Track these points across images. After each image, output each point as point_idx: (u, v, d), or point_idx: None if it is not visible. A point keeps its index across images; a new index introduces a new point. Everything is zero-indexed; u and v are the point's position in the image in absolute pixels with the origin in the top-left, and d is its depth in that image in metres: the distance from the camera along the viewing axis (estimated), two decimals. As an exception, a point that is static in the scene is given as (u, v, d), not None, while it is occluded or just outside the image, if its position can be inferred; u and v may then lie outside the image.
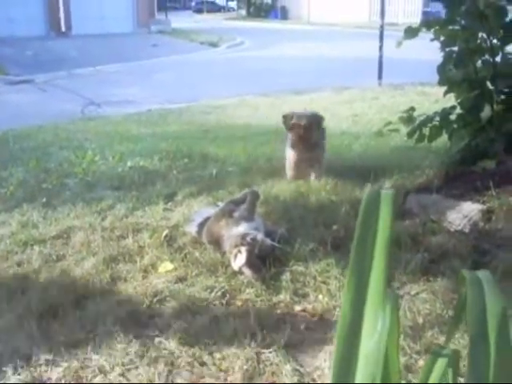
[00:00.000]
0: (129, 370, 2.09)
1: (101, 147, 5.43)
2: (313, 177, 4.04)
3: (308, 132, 3.93)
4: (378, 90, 10.37)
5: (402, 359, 2.01)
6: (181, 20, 28.10)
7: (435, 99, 7.40)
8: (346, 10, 29.30)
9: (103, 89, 10.95)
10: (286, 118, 4.00)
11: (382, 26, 11.49)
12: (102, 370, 2.08)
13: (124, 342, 2.23)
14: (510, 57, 3.84)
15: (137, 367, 2.09)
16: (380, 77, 11.02)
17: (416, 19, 23.05)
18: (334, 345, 0.58)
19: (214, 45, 18.72)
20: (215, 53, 17.64)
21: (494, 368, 0.59)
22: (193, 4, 50.33)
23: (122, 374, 2.06)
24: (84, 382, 2.04)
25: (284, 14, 33.25)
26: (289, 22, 31.13)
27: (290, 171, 4.12)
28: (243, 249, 2.66)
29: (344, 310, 0.61)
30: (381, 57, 11.13)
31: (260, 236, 2.76)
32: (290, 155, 4.08)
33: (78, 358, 2.17)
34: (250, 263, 2.65)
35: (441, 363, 0.69)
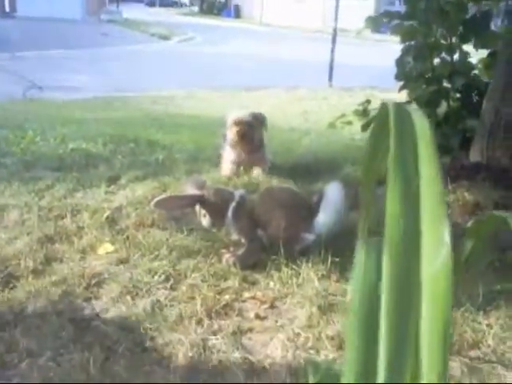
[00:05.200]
0: (61, 354, 1.90)
1: (42, 128, 5.15)
2: (256, 175, 3.82)
3: (250, 132, 3.77)
4: (329, 90, 10.42)
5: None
6: (132, 11, 27.55)
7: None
8: (300, 13, 29.42)
9: (48, 73, 10.55)
10: (228, 117, 3.84)
11: (334, 30, 11.59)
12: (30, 354, 1.89)
13: (57, 324, 2.04)
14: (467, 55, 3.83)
15: (70, 352, 1.90)
16: (330, 79, 11.09)
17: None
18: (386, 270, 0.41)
19: (165, 38, 18.44)
20: (166, 46, 17.35)
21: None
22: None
23: (53, 359, 1.87)
24: (9, 366, 1.84)
25: (237, 13, 33.15)
26: (241, 21, 31.03)
27: (227, 172, 3.85)
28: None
29: (391, 223, 0.44)
30: (332, 59, 11.19)
31: None
32: (230, 155, 3.88)
33: (5, 340, 1.96)
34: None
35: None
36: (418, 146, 0.48)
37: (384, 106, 0.56)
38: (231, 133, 3.77)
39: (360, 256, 0.54)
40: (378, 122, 0.59)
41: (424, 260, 0.40)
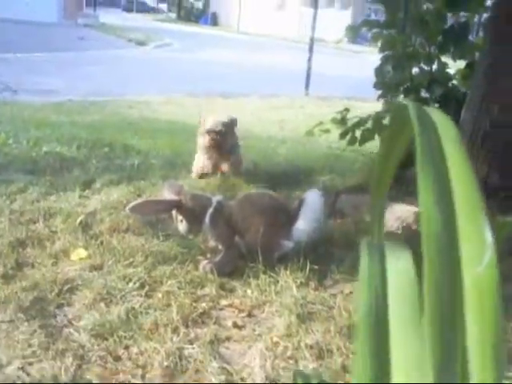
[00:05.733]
0: (30, 363, 1.83)
1: (15, 131, 5.04)
2: (224, 170, 3.85)
3: (223, 140, 3.73)
4: (305, 99, 10.44)
5: (339, 359, 1.87)
6: (109, 16, 27.33)
7: (360, 112, 7.48)
8: (276, 22, 29.55)
9: (23, 76, 10.36)
10: (201, 123, 3.78)
11: (311, 39, 11.61)
12: (-2, 363, 1.81)
13: (27, 332, 1.97)
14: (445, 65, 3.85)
15: (40, 360, 1.83)
16: (307, 88, 11.10)
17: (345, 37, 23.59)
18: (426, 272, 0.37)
19: (141, 43, 18.31)
20: (143, 51, 17.23)
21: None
22: (122, 2, 49.32)
23: (22, 368, 1.80)
24: (-24, 375, 1.76)
25: (214, 21, 33.15)
26: (218, 28, 31.05)
27: (198, 174, 3.87)
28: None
29: (428, 215, 0.40)
30: (309, 68, 11.22)
31: None
32: (203, 161, 3.85)
33: (-29, 348, 1.88)
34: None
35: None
36: (444, 144, 0.45)
37: (399, 107, 0.52)
38: (204, 140, 3.73)
39: (364, 260, 0.50)
40: (393, 123, 0.56)
41: (466, 265, 0.36)
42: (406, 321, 0.48)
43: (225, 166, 3.84)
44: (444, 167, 0.42)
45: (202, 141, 3.76)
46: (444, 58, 3.97)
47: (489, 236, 0.36)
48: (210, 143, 3.69)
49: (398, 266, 0.54)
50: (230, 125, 3.78)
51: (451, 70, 4.06)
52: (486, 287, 0.35)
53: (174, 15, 38.47)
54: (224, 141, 3.72)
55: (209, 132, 3.68)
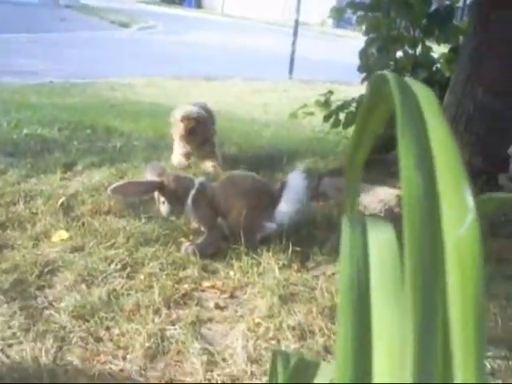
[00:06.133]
0: (10, 345, 1.81)
1: (-5, 113, 4.98)
2: (207, 167, 3.72)
3: (198, 127, 3.59)
4: (289, 83, 10.40)
5: (321, 340, 1.87)
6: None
7: (344, 96, 7.47)
8: (261, 5, 29.33)
9: (3, 57, 10.21)
10: (175, 112, 3.67)
11: (296, 21, 11.53)
12: (-23, 345, 1.79)
13: (7, 314, 1.95)
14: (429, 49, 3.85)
15: (21, 342, 1.82)
16: (291, 71, 11.05)
17: (329, 20, 23.50)
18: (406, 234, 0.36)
19: (124, 25, 18.07)
20: (126, 33, 17.03)
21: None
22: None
23: (1, 350, 1.78)
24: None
25: (198, 3, 32.82)
26: (203, 11, 30.75)
27: (177, 164, 3.75)
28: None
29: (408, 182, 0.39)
30: (293, 52, 11.16)
31: None
32: (180, 148, 3.76)
33: (-50, 330, 1.86)
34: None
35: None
36: (425, 112, 0.44)
37: (378, 78, 0.51)
38: (179, 128, 3.63)
39: (346, 233, 0.49)
40: (371, 94, 0.54)
41: (447, 228, 0.36)
42: (388, 293, 0.47)
43: (207, 165, 3.75)
44: (425, 133, 0.41)
45: (177, 130, 3.66)
46: (428, 42, 3.97)
47: (470, 199, 0.36)
48: (185, 130, 3.58)
49: (380, 238, 0.53)
50: (204, 113, 3.68)
51: (435, 54, 4.06)
52: (467, 249, 0.34)
53: (157, -3, 38.05)
54: (198, 128, 3.59)
55: (183, 119, 3.57)
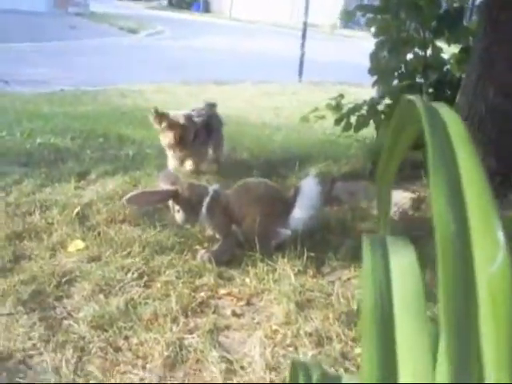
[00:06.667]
0: (31, 356, 1.83)
1: (8, 123, 5.02)
2: (187, 167, 3.70)
3: (186, 132, 3.53)
4: (298, 85, 10.40)
5: (338, 346, 1.88)
6: (100, 4, 27.11)
7: (354, 98, 7.46)
8: (268, 8, 29.35)
9: (14, 67, 10.28)
10: (160, 118, 3.56)
11: (305, 23, 11.54)
12: (-2, 356, 1.82)
13: (26, 325, 1.97)
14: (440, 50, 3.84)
15: (41, 353, 1.84)
16: (300, 74, 11.05)
17: (337, 22, 23.46)
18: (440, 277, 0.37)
19: (133, 31, 18.16)
20: (134, 39, 17.11)
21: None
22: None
23: (23, 361, 1.80)
24: (-23, 369, 1.77)
25: (206, 7, 32.90)
26: (211, 15, 30.82)
27: (172, 167, 3.70)
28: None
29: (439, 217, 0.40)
30: (302, 54, 11.16)
31: None
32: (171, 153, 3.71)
33: (-29, 342, 1.89)
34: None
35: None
36: (455, 144, 0.44)
37: (406, 102, 0.52)
38: (167, 137, 3.55)
39: (367, 256, 0.50)
40: (397, 117, 0.55)
41: (479, 266, 0.36)
42: (411, 316, 0.48)
43: (188, 164, 3.73)
44: (455, 168, 0.42)
45: (165, 139, 3.59)
46: (438, 43, 3.96)
47: (501, 236, 0.36)
48: (175, 138, 3.51)
49: (402, 260, 0.54)
50: (191, 118, 3.61)
51: (445, 55, 4.05)
52: (499, 287, 0.35)
53: (165, 2, 38.14)
54: (187, 135, 3.53)
55: (170, 126, 3.51)
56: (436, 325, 0.40)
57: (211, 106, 3.98)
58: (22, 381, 1.72)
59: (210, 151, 3.87)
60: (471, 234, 0.37)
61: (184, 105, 6.80)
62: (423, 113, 0.46)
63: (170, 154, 3.72)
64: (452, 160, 0.42)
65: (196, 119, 3.64)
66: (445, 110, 0.48)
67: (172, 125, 3.51)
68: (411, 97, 0.50)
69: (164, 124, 3.55)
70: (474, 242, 0.37)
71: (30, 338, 1.91)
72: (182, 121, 3.52)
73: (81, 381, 1.72)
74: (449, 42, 3.79)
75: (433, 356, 0.43)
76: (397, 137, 0.57)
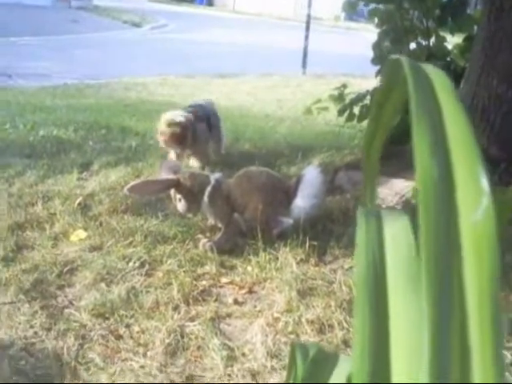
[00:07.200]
0: (33, 344, 1.83)
1: (11, 116, 5.02)
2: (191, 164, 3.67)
3: (185, 130, 3.47)
4: (302, 78, 10.37)
5: (340, 333, 1.87)
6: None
7: (358, 89, 7.44)
8: (272, 1, 29.27)
9: (17, 60, 10.28)
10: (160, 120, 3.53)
11: (308, 15, 11.50)
12: (0, 345, 1.82)
13: (28, 313, 1.98)
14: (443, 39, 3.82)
15: (42, 341, 1.84)
16: (304, 66, 11.01)
17: (341, 14, 23.37)
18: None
19: (137, 25, 18.14)
20: (138, 33, 17.09)
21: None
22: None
23: (24, 349, 1.80)
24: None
25: (209, 1, 32.84)
26: (214, 8, 30.75)
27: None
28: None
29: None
30: (306, 46, 11.12)
31: None
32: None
33: (-26, 330, 1.89)
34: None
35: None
36: (440, 96, 0.43)
37: (392, 63, 0.51)
38: (164, 135, 3.50)
39: (361, 225, 0.49)
40: (385, 78, 0.54)
41: (463, 213, 0.36)
42: (404, 284, 0.48)
43: (193, 161, 3.70)
44: (439, 117, 0.41)
45: (161, 137, 3.54)
46: (441, 33, 3.94)
47: (485, 184, 0.35)
48: (172, 137, 3.47)
49: (395, 229, 0.53)
50: (191, 117, 3.54)
51: (449, 45, 4.03)
52: (483, 233, 0.34)
53: (168, -4, 38.07)
54: (185, 134, 3.48)
55: (169, 125, 3.46)
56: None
57: (210, 104, 3.99)
58: (26, 368, 1.72)
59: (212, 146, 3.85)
60: (455, 180, 0.36)
61: (188, 97, 6.81)
62: (407, 69, 0.45)
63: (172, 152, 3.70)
64: (436, 109, 0.42)
65: (194, 116, 3.60)
66: (431, 69, 0.48)
67: (170, 124, 3.46)
68: (397, 56, 0.49)
69: (163, 124, 3.51)
70: (458, 188, 0.36)
71: (31, 326, 1.91)
72: (179, 119, 3.47)
73: (82, 368, 1.72)
74: (452, 31, 3.76)
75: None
76: (384, 100, 0.56)
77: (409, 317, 0.46)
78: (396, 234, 0.53)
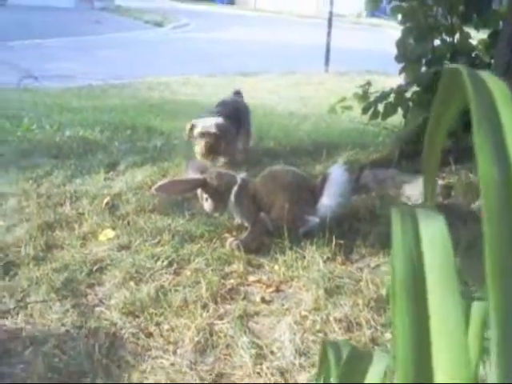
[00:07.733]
0: (65, 341, 1.87)
1: (38, 117, 5.09)
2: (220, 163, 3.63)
3: (219, 140, 3.45)
4: (325, 75, 10.35)
5: (368, 332, 1.88)
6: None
7: (382, 86, 7.39)
8: (293, -1, 29.20)
9: (42, 62, 10.41)
10: (191, 128, 3.53)
11: (330, 12, 11.45)
12: (33, 342, 1.85)
13: (60, 311, 2.01)
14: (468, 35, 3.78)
15: (74, 339, 1.87)
16: (327, 63, 10.98)
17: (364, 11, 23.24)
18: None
19: (159, 24, 18.23)
20: (160, 33, 17.18)
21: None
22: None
23: (57, 346, 1.84)
24: (13, 354, 1.81)
25: (230, -1, 32.86)
26: (235, 6, 30.77)
27: None
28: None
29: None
30: (328, 44, 11.08)
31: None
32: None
33: (7, 328, 1.93)
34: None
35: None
36: (498, 103, 0.44)
37: (451, 72, 0.52)
38: (198, 145, 3.51)
39: (397, 225, 0.50)
40: (444, 88, 0.55)
41: None
42: (443, 284, 0.48)
43: (221, 160, 3.66)
44: (498, 123, 0.42)
45: (196, 146, 3.53)
46: (466, 29, 3.90)
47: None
48: (206, 148, 3.46)
49: (432, 229, 0.53)
50: (224, 125, 3.51)
51: (473, 41, 3.99)
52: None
53: (190, -5, 38.16)
54: (219, 143, 3.47)
55: (202, 135, 3.46)
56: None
57: (238, 95, 3.99)
58: (59, 366, 1.75)
59: (240, 144, 3.87)
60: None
61: (211, 96, 6.84)
62: (466, 76, 0.46)
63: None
64: (495, 115, 0.42)
65: (224, 117, 3.57)
66: (490, 77, 0.48)
67: (204, 135, 3.46)
68: (455, 65, 0.49)
69: (196, 134, 3.50)
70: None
71: (63, 324, 1.95)
72: (213, 130, 3.45)
73: (113, 365, 1.75)
74: (477, 27, 3.72)
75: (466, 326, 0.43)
76: (443, 107, 0.57)
77: (448, 317, 0.46)
78: (432, 233, 0.53)
